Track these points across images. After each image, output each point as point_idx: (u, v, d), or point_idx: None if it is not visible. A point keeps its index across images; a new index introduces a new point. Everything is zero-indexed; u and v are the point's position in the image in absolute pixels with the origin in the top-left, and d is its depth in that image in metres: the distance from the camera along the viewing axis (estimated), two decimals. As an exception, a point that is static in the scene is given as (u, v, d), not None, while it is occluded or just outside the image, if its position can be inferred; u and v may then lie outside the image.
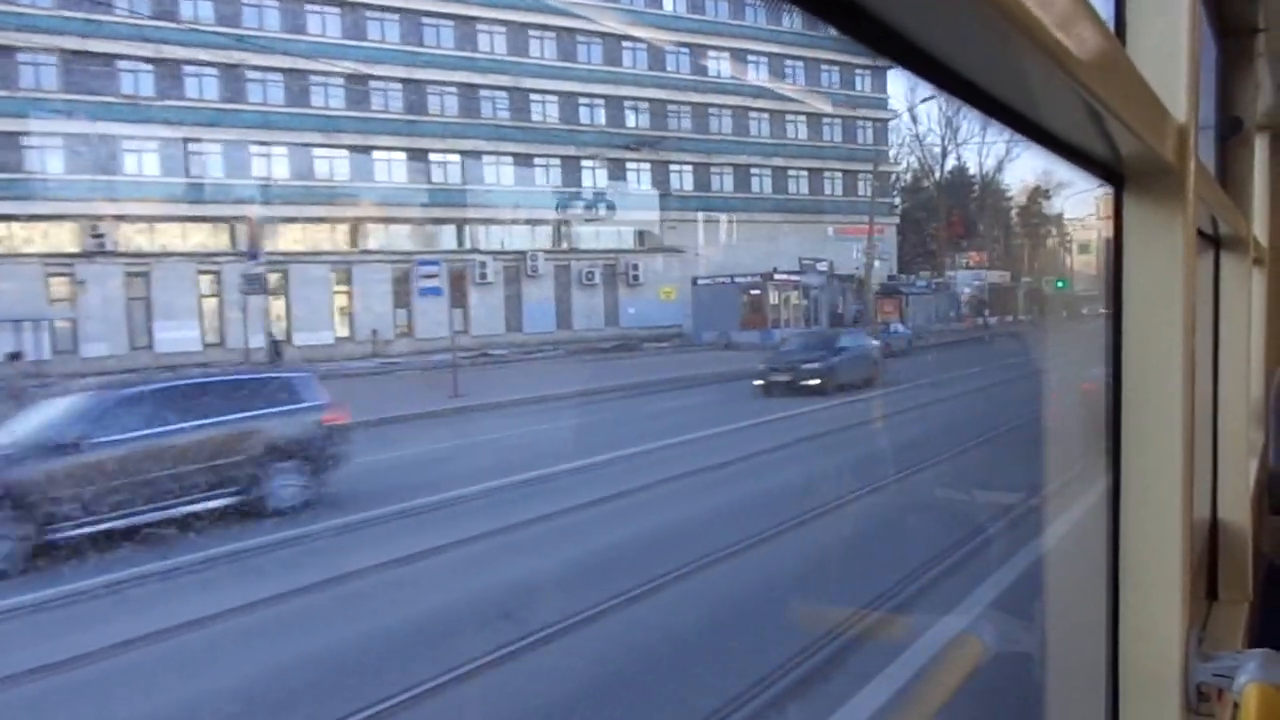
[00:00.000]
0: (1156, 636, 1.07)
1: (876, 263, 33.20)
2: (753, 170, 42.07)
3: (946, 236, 49.66)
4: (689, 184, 40.48)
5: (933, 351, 27.24)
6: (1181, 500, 1.05)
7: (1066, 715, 1.75)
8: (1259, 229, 2.67)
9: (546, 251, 36.75)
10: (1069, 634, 2.06)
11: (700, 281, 32.73)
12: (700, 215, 39.58)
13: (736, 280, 31.61)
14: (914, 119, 57.91)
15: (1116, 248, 1.07)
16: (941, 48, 0.58)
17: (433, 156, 35.74)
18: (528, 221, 37.08)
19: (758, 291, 31.24)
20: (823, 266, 34.09)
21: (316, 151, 33.52)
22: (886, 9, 0.51)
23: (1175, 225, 1.04)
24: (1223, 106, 2.21)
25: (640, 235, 39.03)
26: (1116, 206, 1.07)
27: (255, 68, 31.99)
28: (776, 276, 31.59)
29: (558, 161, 37.68)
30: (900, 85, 45.54)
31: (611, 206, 36.68)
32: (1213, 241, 1.99)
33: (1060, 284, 45.48)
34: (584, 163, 38.36)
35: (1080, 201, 53.83)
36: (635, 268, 37.68)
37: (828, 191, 43.59)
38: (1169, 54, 1.01)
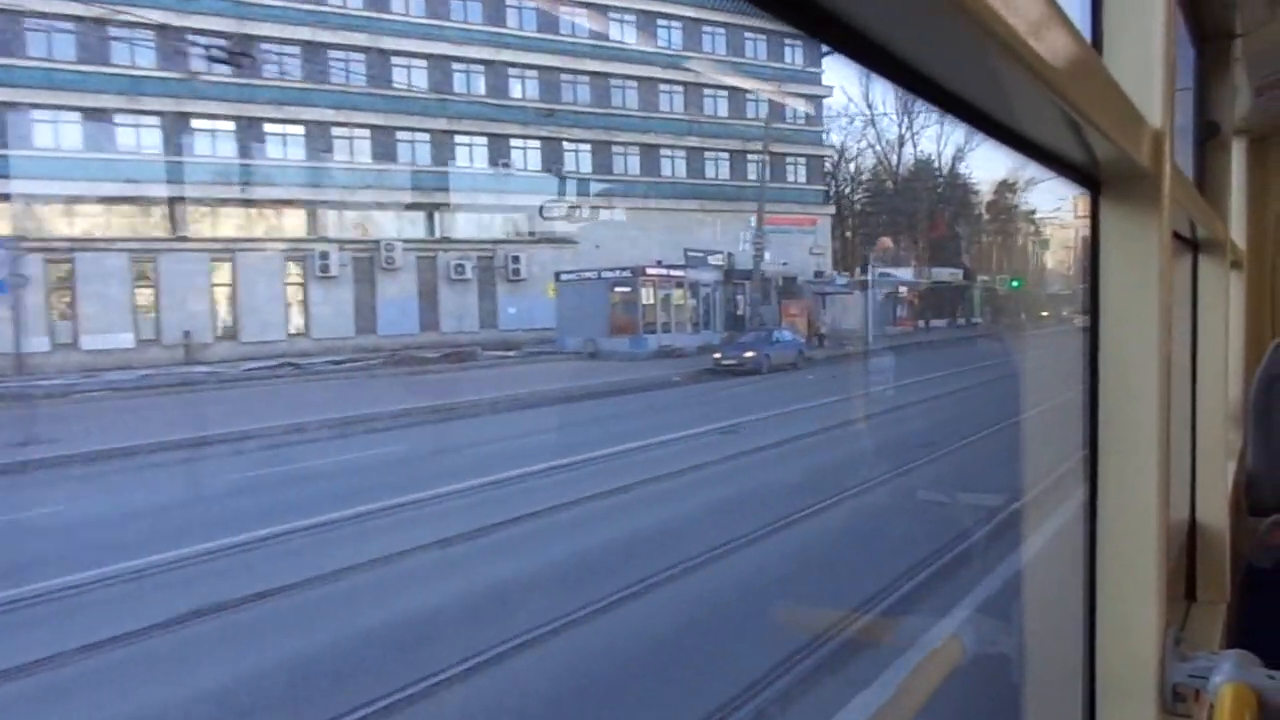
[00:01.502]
0: (1133, 638, 1.08)
1: (767, 254, 27.57)
2: (663, 151, 36.88)
3: (896, 230, 44.71)
4: (586, 165, 35.28)
5: (819, 367, 21.65)
6: (1158, 502, 1.06)
7: (1042, 716, 1.64)
8: (1237, 233, 2.81)
9: (407, 241, 31.55)
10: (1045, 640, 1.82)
11: (565, 277, 27.07)
12: (599, 200, 34.38)
13: (604, 276, 25.89)
14: (869, 105, 53.09)
15: (1093, 252, 1.08)
16: (917, 55, 0.58)
17: (269, 128, 30.50)
18: (388, 205, 31.92)
19: (627, 289, 25.45)
20: (717, 260, 28.41)
21: (117, 118, 28.10)
22: (859, 16, 0.49)
23: (1151, 229, 1.05)
24: (1201, 111, 2.24)
25: (531, 224, 33.72)
26: (1093, 211, 1.07)
27: (38, 14, 26.49)
28: (650, 271, 25.80)
29: (425, 136, 32.59)
30: (846, 66, 40.31)
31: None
32: (1191, 245, 2.03)
33: (1015, 283, 40.34)
34: (458, 138, 33.28)
35: (1046, 194, 49.33)
36: (516, 260, 32.44)
37: (752, 176, 38.48)
38: (1144, 61, 1.03)
